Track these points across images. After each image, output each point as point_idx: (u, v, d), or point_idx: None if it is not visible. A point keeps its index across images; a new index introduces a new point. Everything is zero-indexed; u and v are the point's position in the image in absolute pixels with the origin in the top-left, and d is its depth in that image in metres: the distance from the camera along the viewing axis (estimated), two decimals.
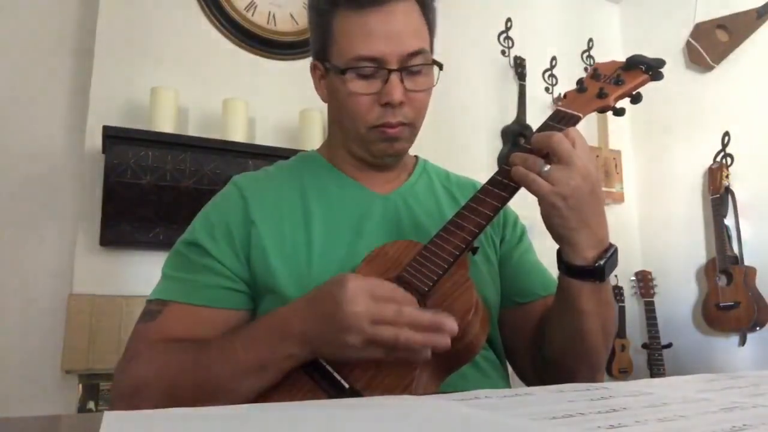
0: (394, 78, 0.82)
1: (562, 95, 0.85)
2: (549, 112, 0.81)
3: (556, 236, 0.77)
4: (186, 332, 0.78)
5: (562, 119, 0.79)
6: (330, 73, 0.86)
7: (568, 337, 0.81)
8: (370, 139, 0.86)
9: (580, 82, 0.84)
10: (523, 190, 0.78)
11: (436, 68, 0.87)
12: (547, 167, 0.72)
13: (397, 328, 0.64)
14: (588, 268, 0.75)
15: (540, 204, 0.74)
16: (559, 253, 0.78)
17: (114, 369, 0.80)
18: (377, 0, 0.81)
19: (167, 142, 1.98)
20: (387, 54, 0.81)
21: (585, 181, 0.72)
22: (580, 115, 0.80)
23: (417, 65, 0.84)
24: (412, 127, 0.88)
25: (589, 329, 0.79)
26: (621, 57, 0.87)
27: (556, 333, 0.84)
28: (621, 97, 0.82)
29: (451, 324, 0.65)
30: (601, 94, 0.81)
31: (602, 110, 0.82)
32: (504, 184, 0.77)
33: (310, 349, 0.70)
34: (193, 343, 0.76)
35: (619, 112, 0.83)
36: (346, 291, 0.65)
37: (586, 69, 3.12)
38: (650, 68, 0.82)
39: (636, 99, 0.84)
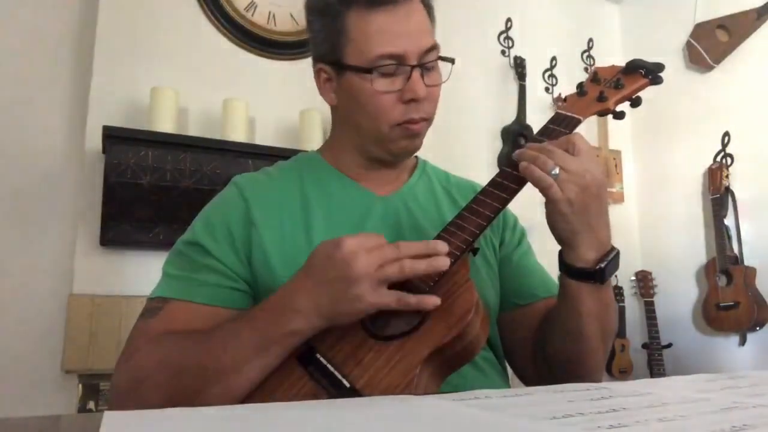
0: (416, 74, 0.83)
1: (561, 97, 0.86)
2: (549, 113, 0.82)
3: (559, 238, 0.77)
4: (186, 329, 0.78)
5: (562, 122, 0.80)
6: (345, 73, 0.85)
7: (567, 338, 0.81)
8: (391, 138, 0.86)
9: (580, 85, 0.85)
10: (523, 193, 0.78)
11: (445, 64, 0.88)
12: (557, 169, 0.72)
13: (400, 261, 0.67)
14: (588, 270, 0.76)
15: (546, 206, 0.75)
16: (560, 254, 0.79)
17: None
18: None
19: (167, 142, 1.98)
20: (408, 51, 0.82)
21: (592, 187, 0.72)
22: (581, 118, 0.80)
23: (433, 61, 0.85)
24: (430, 123, 0.89)
25: (589, 330, 0.79)
26: (621, 57, 0.87)
27: (556, 334, 0.84)
28: (621, 100, 0.83)
29: (442, 246, 0.70)
30: (601, 98, 0.82)
31: (602, 113, 0.83)
32: (504, 185, 0.77)
33: (324, 321, 0.69)
34: (195, 332, 0.76)
35: (619, 116, 0.84)
36: (343, 249, 0.67)
37: (586, 69, 3.12)
38: (650, 72, 0.83)
39: (635, 103, 0.85)
